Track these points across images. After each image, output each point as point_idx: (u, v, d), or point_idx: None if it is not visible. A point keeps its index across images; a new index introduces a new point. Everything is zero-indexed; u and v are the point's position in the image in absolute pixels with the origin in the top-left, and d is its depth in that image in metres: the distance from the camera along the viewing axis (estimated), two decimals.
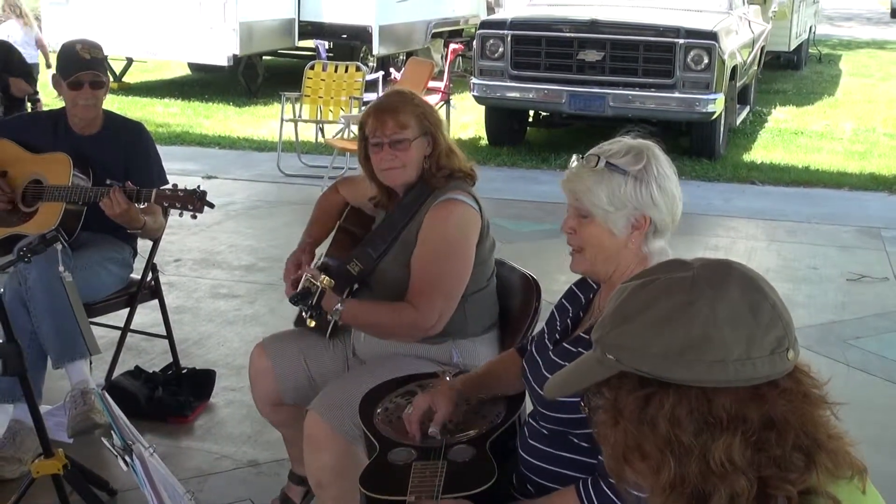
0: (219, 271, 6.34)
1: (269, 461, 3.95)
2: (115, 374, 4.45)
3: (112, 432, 1.96)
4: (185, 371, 4.56)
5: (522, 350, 2.65)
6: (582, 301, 2.44)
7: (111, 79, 4.27)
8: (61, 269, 3.29)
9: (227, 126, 11.36)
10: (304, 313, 2.92)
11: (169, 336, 4.59)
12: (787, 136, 11.63)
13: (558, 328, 2.42)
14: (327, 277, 2.89)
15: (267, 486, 3.74)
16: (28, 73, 7.23)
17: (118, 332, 4.48)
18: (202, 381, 4.49)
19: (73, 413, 3.73)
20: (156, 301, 4.56)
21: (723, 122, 10.04)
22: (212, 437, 4.17)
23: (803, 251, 7.03)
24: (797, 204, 8.45)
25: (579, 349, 2.26)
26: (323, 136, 10.14)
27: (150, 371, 4.55)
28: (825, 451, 1.28)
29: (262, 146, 10.27)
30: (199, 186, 3.93)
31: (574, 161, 2.29)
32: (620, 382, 1.33)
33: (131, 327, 4.50)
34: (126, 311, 4.39)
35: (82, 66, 4.07)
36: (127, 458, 1.85)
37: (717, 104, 9.44)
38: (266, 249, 6.74)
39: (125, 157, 4.16)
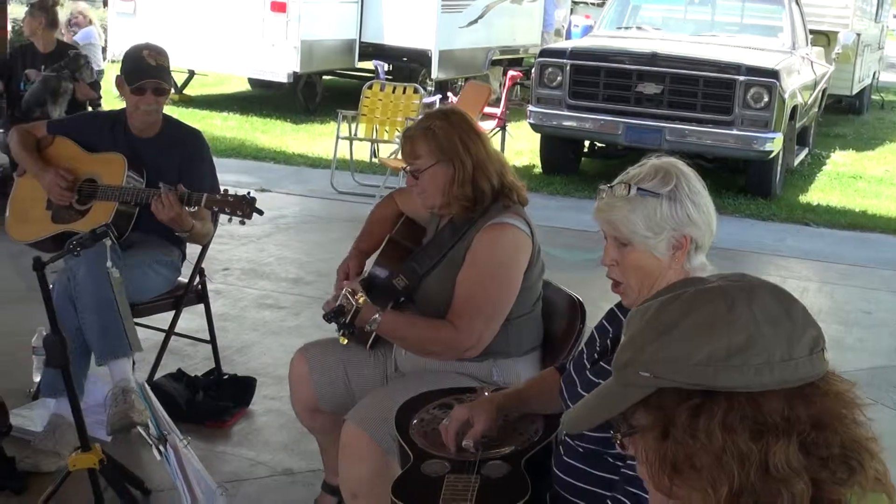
0: (266, 282, 6.37)
1: (304, 471, 3.94)
2: (158, 375, 4.48)
3: (149, 422, 1.97)
4: (226, 377, 4.58)
5: (562, 369, 2.63)
6: (622, 322, 2.41)
7: (172, 84, 4.30)
8: (109, 264, 3.33)
9: (283, 141, 11.45)
10: (337, 330, 2.92)
11: (212, 341, 4.61)
12: (845, 179, 11.48)
13: (597, 349, 2.40)
14: (364, 296, 2.89)
15: (300, 496, 3.73)
16: (95, 80, 7.35)
17: (162, 335, 4.52)
18: (243, 388, 4.50)
19: (112, 411, 3.75)
20: (201, 306, 4.59)
21: (780, 161, 9.94)
22: (248, 443, 4.17)
23: (856, 294, 6.92)
24: (852, 247, 8.34)
25: None
26: (377, 155, 10.19)
27: (193, 375, 4.57)
28: (870, 452, 1.26)
29: (316, 163, 10.33)
30: (248, 193, 3.96)
31: (603, 191, 2.27)
32: (661, 399, 1.30)
33: (176, 331, 4.54)
34: (171, 313, 4.42)
35: (147, 72, 4.11)
36: (161, 447, 1.86)
37: (775, 143, 9.36)
38: (314, 264, 6.76)
39: (180, 161, 4.20)
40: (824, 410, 1.27)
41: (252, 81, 15.18)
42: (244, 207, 3.90)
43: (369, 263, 3.45)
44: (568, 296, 3.30)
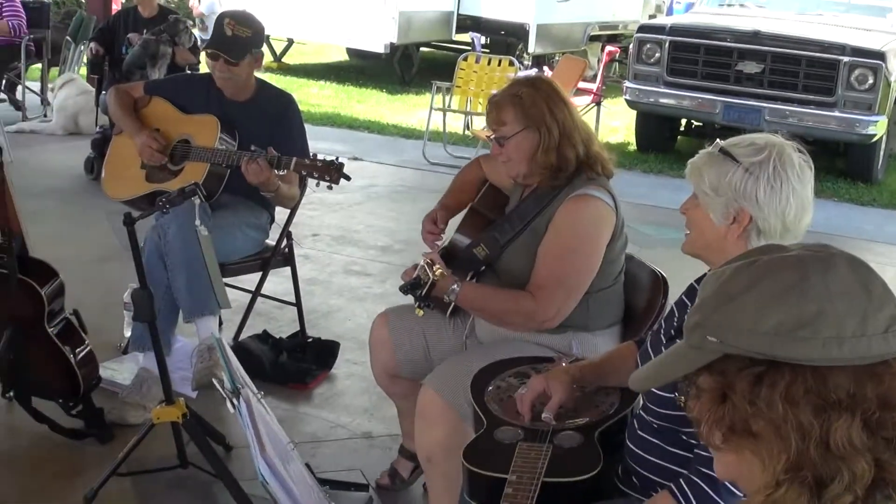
0: (354, 249, 6.42)
1: (383, 435, 3.98)
2: (243, 335, 4.56)
3: (224, 375, 2.00)
4: (310, 340, 4.63)
5: (640, 343, 2.60)
6: None
7: (263, 54, 4.34)
8: (197, 222, 3.38)
9: (378, 112, 11.52)
10: (414, 302, 2.93)
11: (298, 304, 4.67)
12: None
13: (675, 324, 2.36)
14: (442, 269, 2.88)
15: (378, 459, 3.77)
16: (194, 45, 7.47)
17: (248, 296, 4.59)
18: (326, 352, 4.56)
19: (198, 367, 3.83)
20: (288, 270, 4.64)
21: (883, 145, 9.67)
22: (329, 406, 4.23)
23: None
24: None
25: None
26: (470, 127, 10.18)
27: (277, 336, 4.63)
28: None
29: (409, 133, 10.38)
30: (337, 158, 3.99)
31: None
32: (725, 365, 1.28)
33: (263, 292, 4.61)
34: (258, 275, 4.49)
35: (219, 41, 4.16)
36: (234, 400, 1.89)
37: (878, 126, 9.11)
38: (403, 232, 6.80)
39: (271, 125, 4.25)
40: (894, 390, 1.23)
41: (350, 51, 15.29)
42: (332, 172, 3.92)
43: (450, 230, 3.46)
44: (651, 271, 3.25)
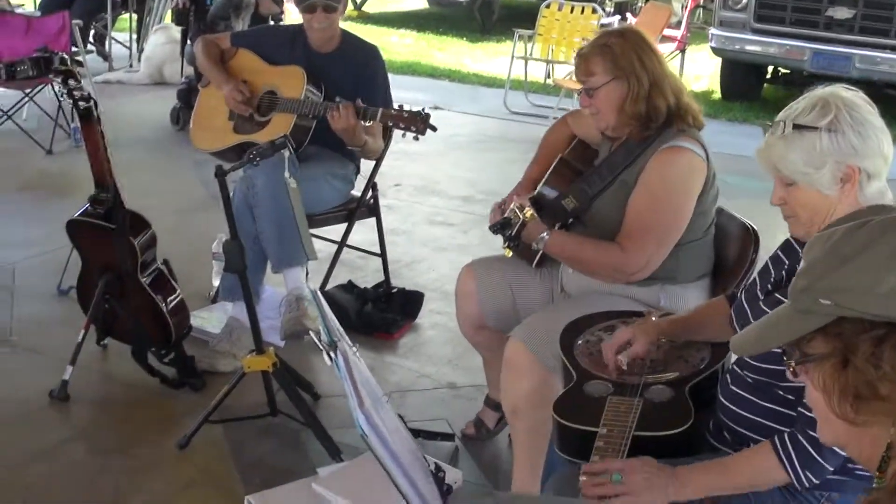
0: (437, 199, 6.43)
1: (468, 385, 4.01)
2: (329, 285, 4.61)
3: (320, 328, 2.03)
4: (394, 290, 4.66)
5: (732, 298, 2.57)
6: (799, 254, 2.34)
7: (349, 2, 4.35)
8: (286, 175, 3.41)
9: (459, 60, 11.46)
10: (503, 242, 2.91)
11: (383, 255, 4.70)
12: None
13: (772, 279, 2.34)
14: (532, 210, 2.87)
15: (463, 409, 3.80)
16: None
17: (334, 247, 4.63)
18: (411, 302, 4.59)
19: (287, 317, 3.88)
20: (372, 220, 4.66)
21: None
22: (414, 355, 4.26)
23: None
24: None
25: None
26: (551, 76, 10.09)
27: (362, 287, 4.67)
28: None
29: (490, 82, 10.31)
30: (423, 109, 3.99)
31: (766, 129, 2.19)
32: (841, 328, 1.26)
33: (348, 243, 4.64)
34: (344, 226, 4.53)
35: None
36: (332, 353, 1.91)
37: None
38: (485, 182, 6.78)
39: (356, 76, 4.25)
40: None
41: (431, 0, 15.21)
42: (418, 123, 3.93)
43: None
44: (742, 223, 3.21)
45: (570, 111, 3.57)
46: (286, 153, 3.29)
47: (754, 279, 2.42)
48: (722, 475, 2.14)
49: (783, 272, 2.33)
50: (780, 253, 2.40)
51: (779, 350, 2.09)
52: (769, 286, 2.32)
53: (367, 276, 4.96)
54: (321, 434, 3.36)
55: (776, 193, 2.21)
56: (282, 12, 7.76)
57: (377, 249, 4.77)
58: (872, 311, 1.23)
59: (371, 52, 4.36)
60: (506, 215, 2.84)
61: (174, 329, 3.81)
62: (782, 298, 2.21)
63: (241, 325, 3.98)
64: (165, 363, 3.87)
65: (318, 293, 2.22)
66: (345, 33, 4.35)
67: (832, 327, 1.28)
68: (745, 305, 2.34)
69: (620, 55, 3.01)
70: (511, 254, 2.90)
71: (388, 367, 4.15)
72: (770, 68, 10.45)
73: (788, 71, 10.27)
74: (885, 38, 8.98)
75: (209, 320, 4.31)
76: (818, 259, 1.30)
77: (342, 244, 4.56)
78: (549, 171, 3.33)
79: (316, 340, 2.01)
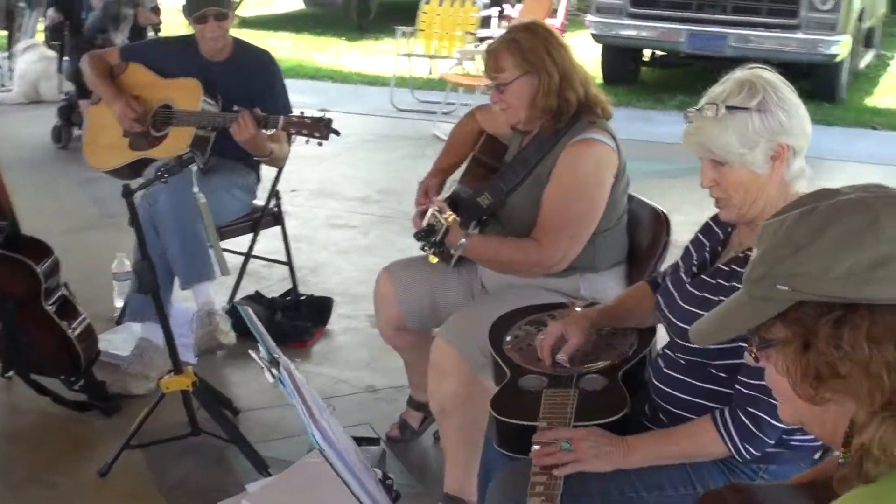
0: (334, 202, 6.40)
1: (387, 387, 4.00)
2: (236, 298, 4.54)
3: (259, 345, 1.99)
4: (303, 298, 4.62)
5: (654, 283, 2.62)
6: (720, 236, 2.40)
7: (232, 5, 4.29)
8: (195, 189, 3.35)
9: (339, 60, 11.41)
10: (426, 248, 2.90)
11: (289, 263, 4.65)
12: None
13: (695, 262, 2.38)
14: (453, 214, 2.87)
15: (384, 411, 3.79)
16: (155, 5, 7.35)
17: (239, 258, 4.56)
18: (320, 308, 4.55)
19: (199, 333, 3.82)
20: (274, 229, 4.61)
21: (847, 65, 9.71)
22: (330, 362, 4.23)
23: None
24: None
25: (718, 280, 2.24)
26: (433, 71, 10.13)
27: (270, 297, 4.62)
28: None
29: (374, 81, 10.30)
30: (325, 114, 3.96)
31: (690, 114, 2.23)
32: (800, 313, 1.29)
33: (252, 253, 4.58)
34: (249, 236, 4.46)
35: (205, 0, 4.09)
36: (274, 370, 1.88)
37: (841, 46, 9.15)
38: (381, 182, 6.78)
39: (253, 84, 4.20)
40: None
41: (307, 0, 15.10)
42: (321, 129, 3.90)
43: (450, 182, 3.44)
44: (651, 208, 3.27)
45: (478, 106, 3.58)
46: (194, 168, 3.22)
47: (677, 263, 2.46)
48: (666, 444, 2.20)
49: (705, 254, 2.38)
50: (699, 236, 2.45)
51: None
52: (694, 268, 2.36)
53: (273, 285, 4.90)
54: (247, 449, 3.31)
55: (707, 176, 2.24)
56: (160, 22, 7.61)
57: (280, 257, 4.72)
58: (830, 293, 1.26)
59: (265, 58, 4.32)
60: (428, 222, 2.83)
61: (83, 355, 3.70)
62: (707, 279, 2.26)
63: (152, 345, 3.90)
64: (76, 390, 3.76)
65: (250, 311, 2.18)
66: (237, 41, 4.29)
67: (791, 312, 1.30)
68: (672, 289, 2.38)
69: (529, 50, 3.03)
70: (437, 260, 2.89)
71: (305, 375, 4.01)
72: (647, 51, 10.67)
73: (665, 53, 10.49)
74: (756, 17, 9.25)
75: (115, 342, 4.20)
76: (772, 246, 1.32)
77: (249, 255, 4.50)
78: (463, 170, 3.34)
79: (256, 358, 1.98)
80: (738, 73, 2.22)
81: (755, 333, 1.35)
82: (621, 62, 10.41)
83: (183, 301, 4.25)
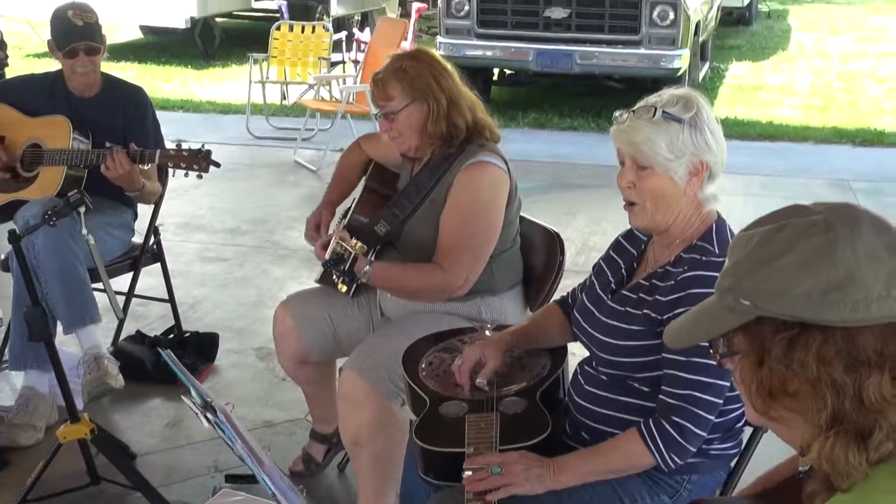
0: (203, 235, 6.29)
1: (283, 421, 3.97)
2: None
3: (190, 390, 1.96)
4: (187, 335, 4.53)
5: (563, 303, 2.68)
6: (633, 253, 2.47)
7: (104, 40, 4.18)
8: (84, 231, 3.26)
9: (188, 89, 11.21)
10: (335, 277, 2.89)
11: (171, 300, 4.54)
12: (748, 91, 11.74)
13: (612, 279, 2.45)
14: (359, 242, 2.87)
15: (284, 445, 3.75)
16: (0, 39, 7.05)
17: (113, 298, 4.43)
18: (206, 344, 4.48)
19: (87, 378, 3.69)
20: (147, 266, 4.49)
21: (687, 78, 10.09)
22: (222, 398, 4.02)
23: (779, 205, 7.01)
24: (765, 158, 8.56)
25: (640, 294, 2.31)
26: (286, 98, 10.06)
27: (153, 335, 4.51)
28: None
29: (226, 109, 10.15)
30: (203, 146, 3.90)
31: (624, 114, 2.30)
32: (759, 327, 1.35)
33: (126, 292, 4.45)
34: (128, 275, 4.35)
35: (76, 34, 3.97)
36: (209, 414, 1.85)
37: (682, 60, 9.50)
38: (248, 212, 6.70)
39: (124, 119, 4.10)
40: None
41: (144, 28, 14.77)
42: (200, 161, 3.85)
43: (343, 209, 3.45)
44: (543, 229, 3.35)
45: (363, 135, 3.59)
46: (82, 209, 3.13)
47: (590, 281, 2.52)
48: (595, 460, 2.26)
49: (621, 271, 2.45)
50: (611, 253, 2.52)
51: (631, 343, 2.23)
52: (612, 285, 2.43)
53: (153, 323, 4.79)
54: (151, 493, 3.23)
55: (625, 176, 2.30)
56: (6, 56, 7.32)
57: (156, 294, 4.62)
58: (787, 312, 1.32)
59: (137, 93, 4.22)
60: (335, 251, 2.82)
61: None
62: (629, 294, 2.34)
63: (37, 393, 3.77)
64: None
65: (171, 354, 2.13)
66: (106, 76, 4.18)
67: (752, 326, 1.36)
68: (590, 305, 2.43)
69: (416, 77, 3.06)
70: (346, 289, 2.88)
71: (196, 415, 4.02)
72: (496, 71, 10.85)
73: (514, 72, 10.69)
74: (599, 34, 9.54)
75: None
76: (740, 260, 1.38)
77: (130, 294, 4.37)
78: (356, 200, 3.34)
79: (189, 403, 1.94)
80: (674, 90, 2.31)
81: (722, 339, 1.41)
82: (471, 82, 10.48)
83: (65, 344, 4.11)
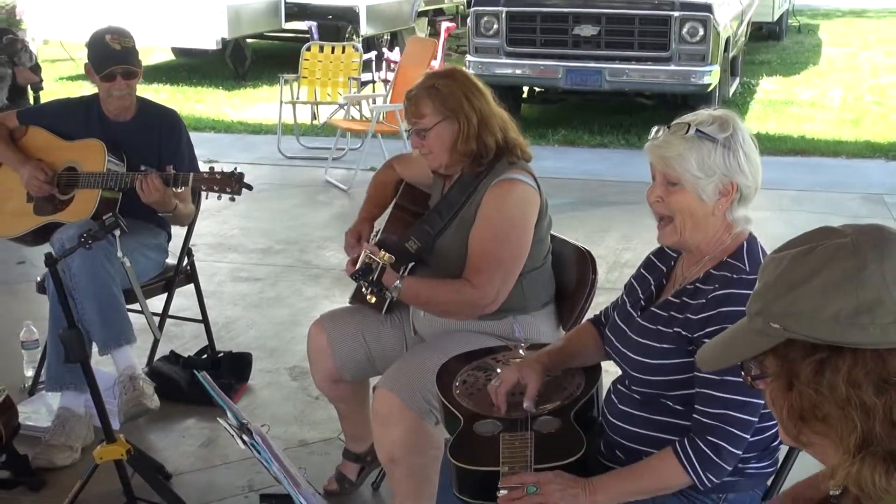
0: (235, 255, 6.33)
1: (318, 440, 3.98)
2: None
3: (226, 412, 1.97)
4: (221, 355, 4.56)
5: (597, 322, 2.68)
6: (663, 270, 2.47)
7: (141, 63, 4.24)
8: (120, 254, 3.30)
9: (220, 110, 11.30)
10: (364, 289, 2.90)
11: (205, 320, 4.58)
12: (778, 106, 11.69)
13: (641, 296, 2.45)
14: (388, 254, 2.89)
15: (319, 465, 3.76)
16: (35, 63, 7.18)
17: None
18: (240, 364, 4.50)
19: (123, 399, 3.72)
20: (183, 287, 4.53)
21: (717, 93, 10.07)
22: (257, 418, 4.13)
23: (812, 219, 7.06)
24: (798, 173, 8.51)
25: (671, 312, 2.31)
26: (317, 117, 10.12)
27: (186, 356, 4.54)
28: None
29: (257, 129, 10.22)
30: (235, 169, 3.94)
31: (660, 130, 2.31)
32: (788, 350, 1.35)
33: (162, 312, 4.49)
34: (162, 296, 4.39)
35: (113, 58, 4.03)
36: (245, 436, 1.86)
37: (712, 76, 9.48)
38: (280, 231, 6.73)
39: (159, 143, 4.15)
40: None
41: (176, 50, 14.91)
42: (233, 184, 3.88)
43: (377, 228, 3.46)
44: (575, 247, 3.35)
45: (396, 156, 3.61)
46: (117, 232, 3.17)
47: (622, 299, 2.53)
48: (630, 481, 2.25)
49: (651, 288, 2.45)
50: (642, 271, 2.52)
51: (665, 362, 2.22)
52: (642, 302, 2.43)
53: (187, 343, 4.83)
54: None
55: (655, 192, 2.31)
56: (40, 80, 7.44)
57: (189, 314, 4.66)
58: (817, 335, 1.32)
59: (171, 116, 4.27)
60: (363, 262, 2.83)
61: (3, 430, 3.59)
62: (659, 312, 2.33)
63: (74, 414, 3.81)
64: None
65: (207, 377, 2.15)
66: (140, 100, 4.23)
67: (781, 349, 1.37)
68: (622, 324, 2.44)
69: (448, 96, 3.09)
70: (374, 299, 2.89)
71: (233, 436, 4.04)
72: (526, 88, 10.87)
73: (544, 89, 10.70)
74: (629, 51, 9.54)
75: (31, 414, 4.07)
76: (770, 283, 1.39)
77: (165, 315, 4.41)
78: (387, 218, 3.36)
79: (225, 426, 1.95)
80: (713, 109, 2.32)
81: (755, 361, 1.41)
82: (501, 100, 10.52)
83: (101, 365, 4.14)
